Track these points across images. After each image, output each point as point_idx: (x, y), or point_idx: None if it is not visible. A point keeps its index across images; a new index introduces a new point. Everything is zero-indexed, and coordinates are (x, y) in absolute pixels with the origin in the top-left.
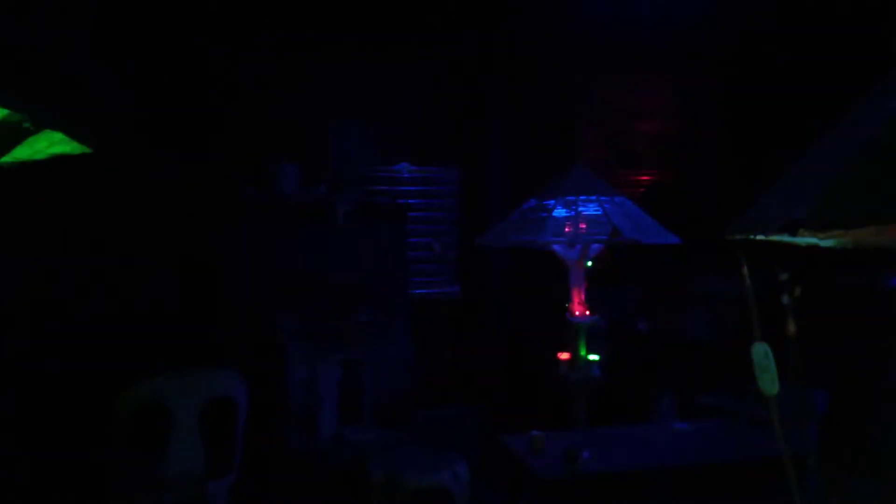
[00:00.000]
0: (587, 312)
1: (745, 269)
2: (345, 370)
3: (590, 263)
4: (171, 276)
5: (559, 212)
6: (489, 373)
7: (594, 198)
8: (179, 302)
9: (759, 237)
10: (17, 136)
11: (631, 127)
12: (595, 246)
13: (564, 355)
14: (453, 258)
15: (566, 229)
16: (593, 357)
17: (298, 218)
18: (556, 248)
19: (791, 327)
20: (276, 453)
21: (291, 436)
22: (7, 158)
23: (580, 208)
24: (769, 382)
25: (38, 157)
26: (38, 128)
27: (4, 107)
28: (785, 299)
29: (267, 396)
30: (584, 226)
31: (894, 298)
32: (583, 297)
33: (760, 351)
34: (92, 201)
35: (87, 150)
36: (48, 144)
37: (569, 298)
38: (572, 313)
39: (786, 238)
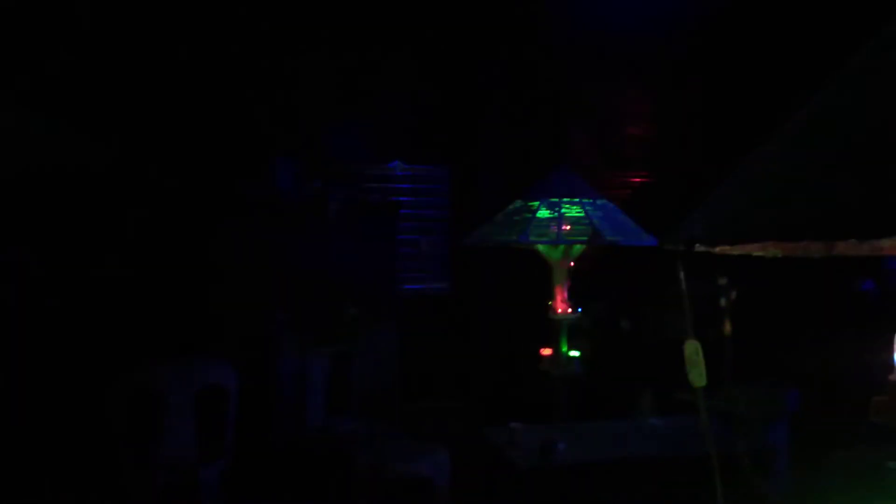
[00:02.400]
0: (569, 310)
1: (682, 274)
2: (333, 362)
3: (572, 263)
4: (168, 269)
5: (543, 213)
6: (474, 367)
7: (577, 200)
8: (175, 293)
9: (674, 247)
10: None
11: (619, 130)
12: (577, 246)
13: (546, 351)
14: (443, 255)
15: (550, 229)
16: (574, 353)
17: (292, 213)
18: (540, 248)
19: (727, 327)
20: (266, 441)
21: (280, 424)
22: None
23: (563, 210)
24: (698, 376)
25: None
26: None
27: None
28: (722, 302)
29: (258, 386)
30: (566, 227)
31: (866, 301)
32: (566, 295)
33: (692, 348)
34: (93, 198)
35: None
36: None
37: (552, 296)
38: (555, 311)
39: (684, 249)
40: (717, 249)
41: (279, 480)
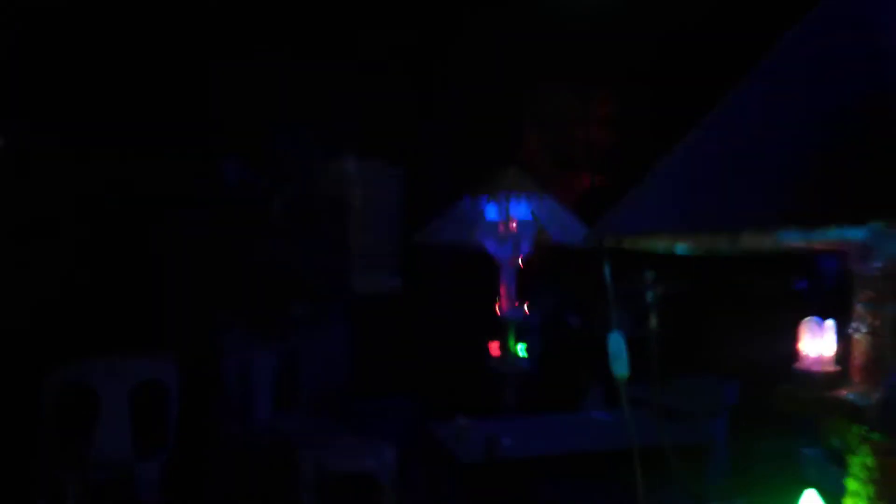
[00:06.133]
0: (516, 307)
1: (608, 271)
2: (281, 359)
3: (520, 260)
4: (112, 265)
5: (491, 212)
6: (423, 363)
7: (524, 198)
8: (119, 290)
9: (591, 245)
10: None
11: (570, 133)
12: (525, 245)
13: (495, 347)
14: (393, 253)
15: (498, 229)
16: (521, 349)
17: (238, 210)
18: (488, 246)
19: (653, 321)
20: (210, 438)
21: (225, 421)
22: None
23: (511, 209)
24: (621, 366)
25: None
26: None
27: None
28: (649, 296)
29: (202, 382)
30: (514, 226)
31: (801, 300)
32: (513, 292)
33: (615, 340)
34: (36, 188)
35: None
36: None
37: (500, 293)
38: (503, 308)
39: (596, 246)
40: (625, 244)
41: (223, 477)
